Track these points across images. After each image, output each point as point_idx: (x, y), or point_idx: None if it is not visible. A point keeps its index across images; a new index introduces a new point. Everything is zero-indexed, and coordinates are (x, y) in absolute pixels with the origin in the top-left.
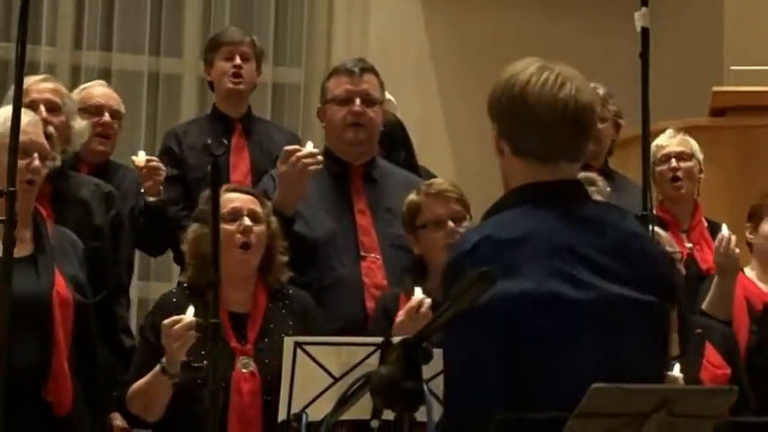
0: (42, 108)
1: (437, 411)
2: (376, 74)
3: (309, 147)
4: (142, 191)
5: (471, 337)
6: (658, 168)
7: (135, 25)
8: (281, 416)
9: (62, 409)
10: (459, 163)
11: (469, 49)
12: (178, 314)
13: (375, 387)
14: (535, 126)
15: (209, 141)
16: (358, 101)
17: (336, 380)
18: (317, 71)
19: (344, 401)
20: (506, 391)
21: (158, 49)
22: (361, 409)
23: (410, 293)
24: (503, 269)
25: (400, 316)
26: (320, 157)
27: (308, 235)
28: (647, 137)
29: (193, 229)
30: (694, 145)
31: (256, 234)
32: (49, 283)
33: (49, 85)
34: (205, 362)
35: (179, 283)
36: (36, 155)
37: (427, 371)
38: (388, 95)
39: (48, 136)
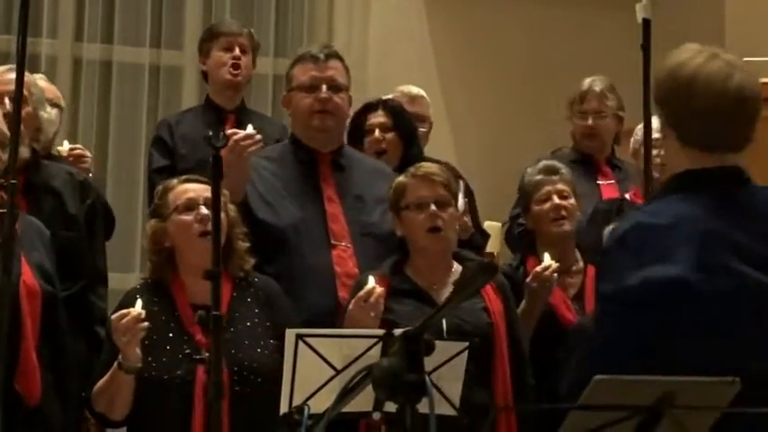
0: (7, 100)
1: (438, 403)
2: (341, 59)
3: (249, 129)
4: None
5: (621, 317)
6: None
7: (136, 18)
8: (283, 408)
9: (32, 400)
10: (460, 153)
11: (471, 39)
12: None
13: (377, 379)
14: (701, 116)
15: (210, 133)
16: (324, 87)
17: (338, 372)
18: None
19: (346, 394)
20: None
21: (159, 42)
22: (362, 402)
23: (385, 277)
24: (655, 255)
25: (351, 305)
26: (258, 136)
27: (276, 223)
28: (648, 128)
29: (151, 224)
30: None
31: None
32: (15, 273)
33: (14, 76)
34: (206, 353)
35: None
36: None
37: (429, 363)
38: (420, 91)
39: None
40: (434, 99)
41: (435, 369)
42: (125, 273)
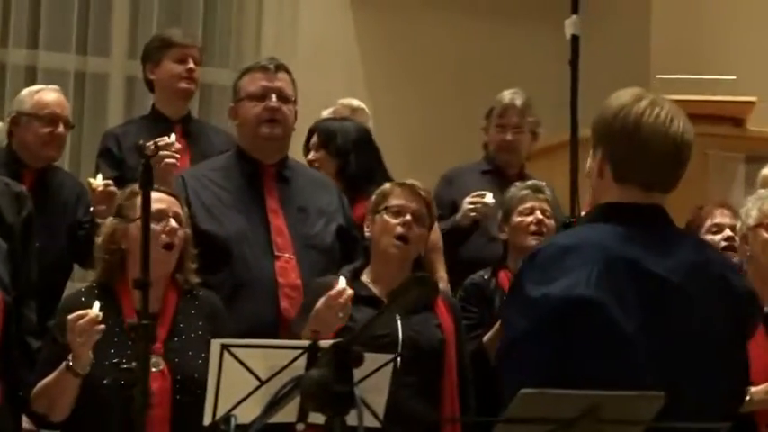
0: None
1: (367, 416)
2: (289, 73)
3: (172, 138)
4: (92, 209)
5: (526, 329)
6: None
7: (62, 23)
8: (207, 419)
9: None
10: (386, 159)
11: (398, 49)
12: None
13: (306, 390)
14: (646, 157)
15: (141, 142)
16: (274, 97)
17: (263, 382)
18: None
19: (274, 404)
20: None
21: (85, 48)
22: (286, 413)
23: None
24: (557, 273)
25: (319, 304)
26: (177, 145)
27: (220, 234)
28: (575, 143)
29: (111, 223)
30: None
31: (179, 236)
32: None
33: None
34: (134, 363)
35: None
36: None
37: (358, 374)
38: (360, 104)
39: None
40: None
41: (361, 380)
42: None
